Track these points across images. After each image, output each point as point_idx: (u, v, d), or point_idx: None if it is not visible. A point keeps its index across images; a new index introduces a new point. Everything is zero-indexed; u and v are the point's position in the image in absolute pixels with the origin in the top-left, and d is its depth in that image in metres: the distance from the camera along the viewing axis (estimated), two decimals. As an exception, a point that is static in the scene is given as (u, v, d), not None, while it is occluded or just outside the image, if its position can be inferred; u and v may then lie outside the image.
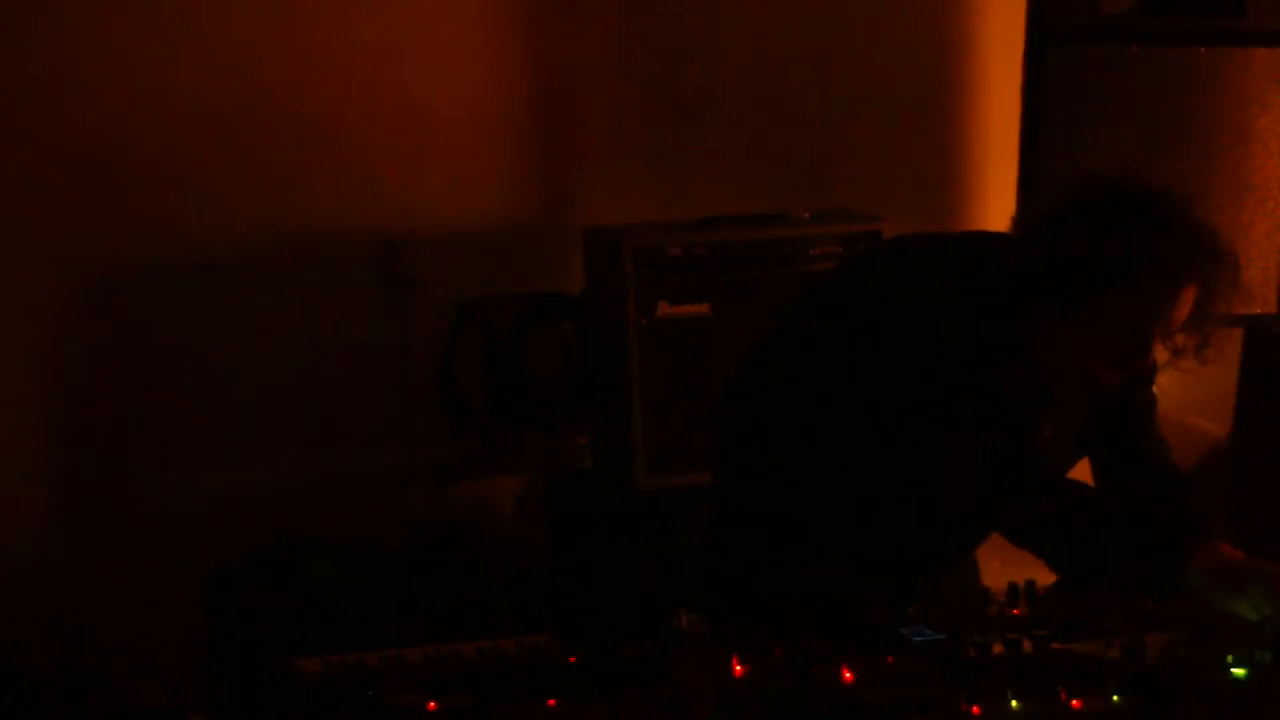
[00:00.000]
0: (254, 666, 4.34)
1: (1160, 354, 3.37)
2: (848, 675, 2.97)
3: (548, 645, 3.11)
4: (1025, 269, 3.29)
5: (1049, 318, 3.30)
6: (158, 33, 4.92)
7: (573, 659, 3.05)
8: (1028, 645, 3.07)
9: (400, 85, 5.12)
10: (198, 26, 4.95)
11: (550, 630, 3.23)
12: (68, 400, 4.94)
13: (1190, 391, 3.69)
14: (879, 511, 3.44)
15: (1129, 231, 3.23)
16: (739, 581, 3.55)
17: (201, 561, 4.71)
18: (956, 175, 5.60)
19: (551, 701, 2.92)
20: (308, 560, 4.69)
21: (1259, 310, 4.80)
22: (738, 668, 3.02)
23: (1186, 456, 3.75)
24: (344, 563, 4.71)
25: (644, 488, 4.88)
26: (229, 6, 4.98)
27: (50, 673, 4.79)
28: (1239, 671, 3.01)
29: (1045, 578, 3.37)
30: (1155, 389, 3.59)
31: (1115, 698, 2.90)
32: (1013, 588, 3.33)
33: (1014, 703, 2.88)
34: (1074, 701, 2.88)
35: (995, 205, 5.44)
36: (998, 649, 3.06)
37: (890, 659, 3.05)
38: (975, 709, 2.86)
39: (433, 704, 2.88)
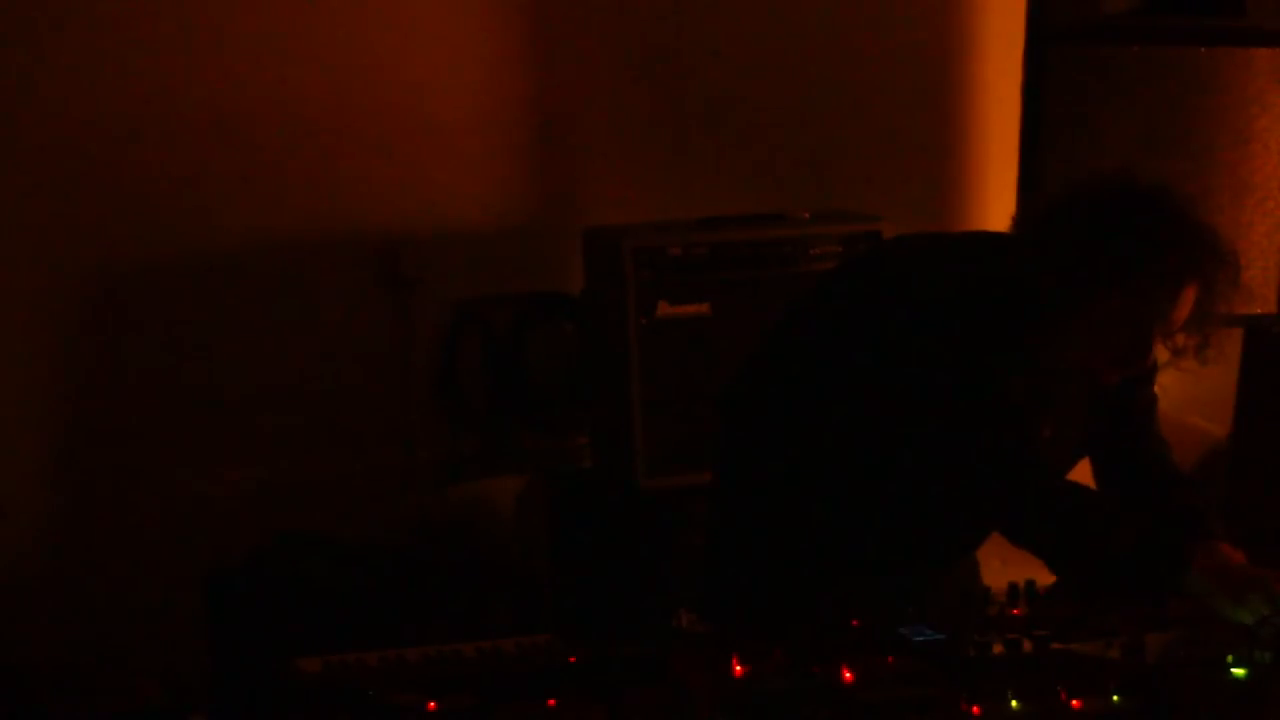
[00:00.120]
0: (254, 666, 4.34)
1: (1161, 354, 3.37)
2: (848, 675, 2.97)
3: (548, 645, 3.11)
4: (1025, 269, 3.29)
5: (1049, 318, 3.30)
6: (158, 35, 4.92)
7: (573, 659, 3.05)
8: (1028, 645, 3.07)
9: (401, 86, 5.12)
10: (198, 29, 4.95)
11: (550, 630, 3.23)
12: (68, 401, 4.94)
13: (1190, 391, 3.69)
14: (880, 511, 3.44)
15: (1129, 231, 3.23)
16: (739, 582, 3.55)
17: (201, 562, 4.72)
18: (956, 175, 5.60)
19: (551, 701, 2.92)
20: (308, 560, 4.69)
21: (1259, 310, 4.80)
22: (738, 668, 3.01)
23: (1186, 456, 3.75)
24: (344, 563, 4.71)
25: (644, 488, 4.88)
26: (228, 8, 4.98)
27: (50, 673, 4.79)
28: (1239, 671, 3.01)
29: (1045, 578, 3.37)
30: (1155, 389, 3.59)
31: (1115, 698, 2.90)
32: (1013, 588, 3.33)
33: (1014, 703, 2.88)
34: (1074, 701, 2.88)
35: (995, 205, 5.44)
36: (998, 649, 3.06)
37: (890, 659, 3.05)
38: (975, 709, 2.86)
39: (433, 704, 2.88)
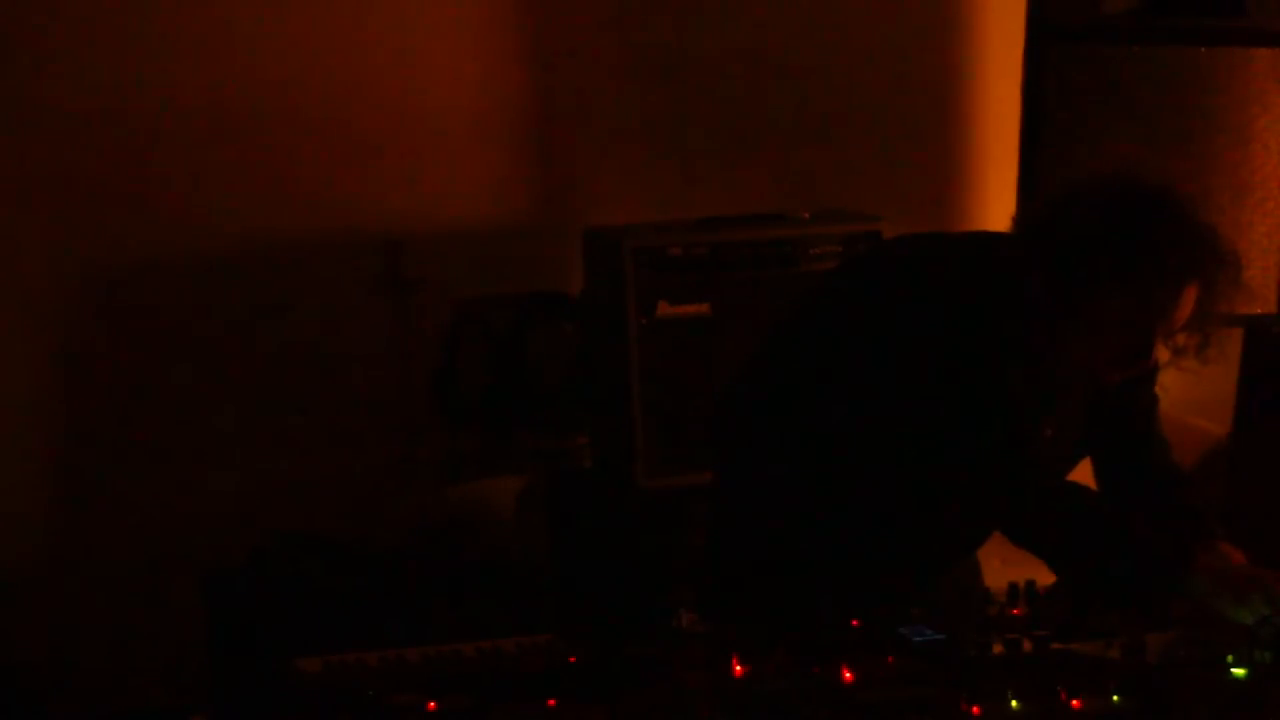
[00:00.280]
0: (254, 666, 4.34)
1: (1162, 353, 3.37)
2: (848, 675, 2.97)
3: (548, 645, 3.11)
4: (1026, 269, 3.29)
5: (1050, 317, 3.29)
6: (158, 35, 4.92)
7: (573, 659, 3.05)
8: (1028, 645, 3.07)
9: (401, 86, 5.12)
10: (199, 29, 4.95)
11: (550, 630, 3.23)
12: (68, 400, 4.94)
13: (1190, 391, 3.68)
14: (881, 512, 3.44)
15: (1130, 231, 3.23)
16: (739, 582, 3.55)
17: (201, 561, 4.72)
18: (956, 175, 5.60)
19: (551, 701, 2.92)
20: (308, 560, 4.69)
21: (1259, 310, 4.80)
22: (738, 668, 3.01)
23: (1186, 456, 3.75)
24: (344, 563, 4.71)
25: (644, 488, 4.88)
26: (229, 8, 4.98)
27: (50, 673, 4.80)
28: (1239, 671, 3.01)
29: (1045, 578, 3.37)
30: (1156, 388, 3.59)
31: (1115, 698, 2.90)
32: (1013, 588, 3.33)
33: (1014, 703, 2.88)
34: (1074, 701, 2.88)
35: (995, 205, 5.44)
36: (998, 649, 3.06)
37: (890, 659, 3.05)
38: (975, 709, 2.85)
39: (433, 704, 2.88)
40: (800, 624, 3.17)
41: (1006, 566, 3.53)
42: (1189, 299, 3.27)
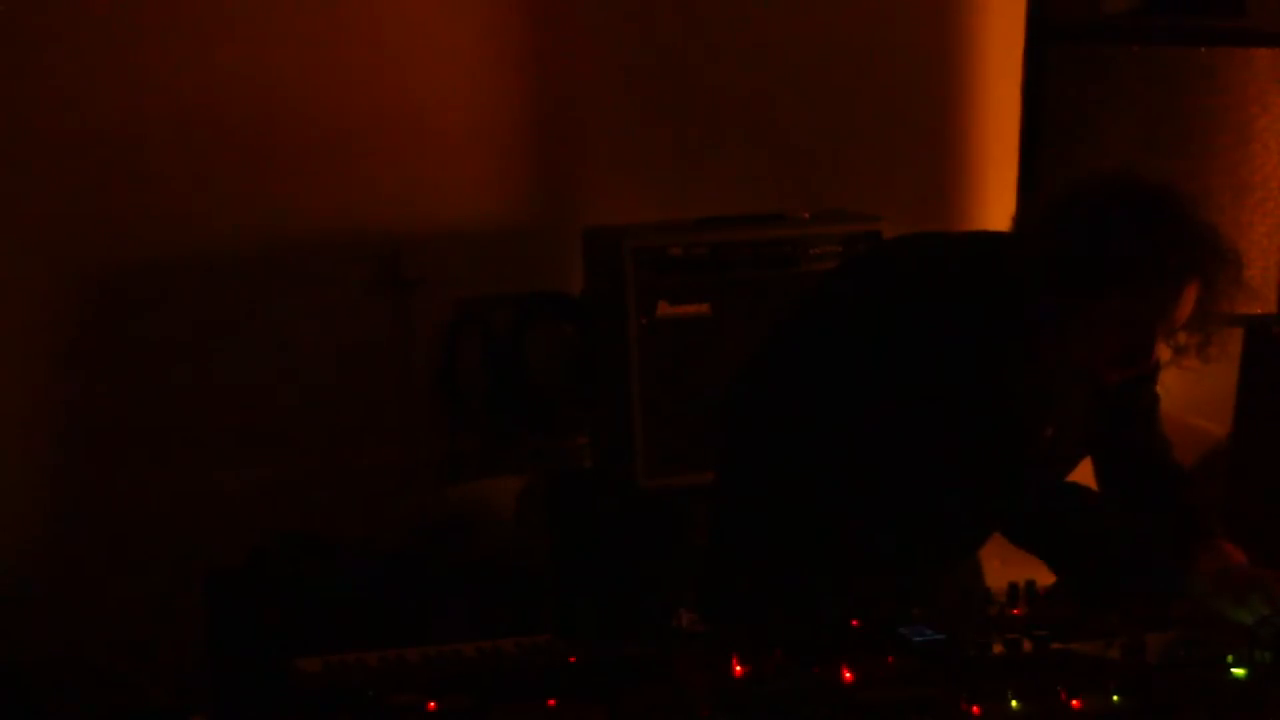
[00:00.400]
0: (254, 666, 4.34)
1: (1163, 353, 3.37)
2: (848, 675, 2.97)
3: (548, 645, 3.11)
4: (1027, 268, 3.29)
5: (1051, 317, 3.29)
6: (160, 36, 4.92)
7: (573, 659, 3.05)
8: (1028, 645, 3.07)
9: (401, 86, 5.12)
10: (200, 29, 4.95)
11: (550, 630, 3.23)
12: (68, 400, 4.94)
13: (1191, 391, 3.69)
14: (882, 512, 3.43)
15: (1131, 229, 3.23)
16: (740, 582, 3.55)
17: (201, 561, 4.72)
18: (956, 175, 5.60)
19: (551, 701, 2.92)
20: (308, 560, 4.69)
21: (1259, 310, 4.80)
22: (738, 668, 3.01)
23: (1186, 456, 3.75)
24: (344, 563, 4.71)
25: (644, 488, 4.88)
26: (230, 9, 4.97)
27: (50, 673, 4.79)
28: (1239, 671, 3.01)
29: (1045, 578, 3.37)
30: (1158, 388, 3.59)
31: (1115, 698, 2.90)
32: (1013, 588, 3.33)
33: (1014, 703, 2.88)
34: (1074, 701, 2.88)
35: (995, 205, 5.44)
36: (998, 649, 3.06)
37: (890, 659, 3.05)
38: (975, 709, 2.85)
39: (433, 704, 2.88)
40: (800, 624, 3.17)
41: (1006, 566, 3.53)
42: (1190, 298, 3.27)
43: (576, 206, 5.23)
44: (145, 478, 4.97)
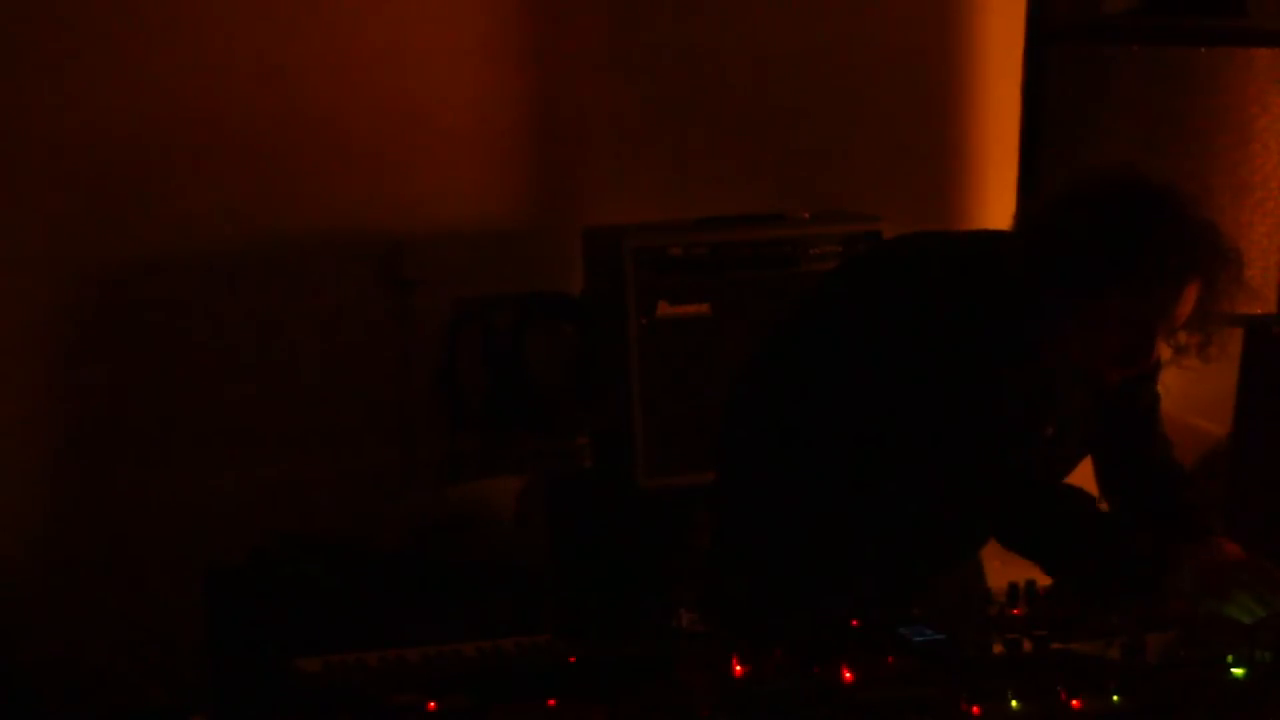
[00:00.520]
0: (254, 666, 4.34)
1: (1163, 352, 3.37)
2: (848, 675, 2.97)
3: (548, 645, 3.11)
4: (1027, 267, 3.29)
5: (1052, 315, 3.29)
6: (161, 36, 4.92)
7: (573, 659, 3.05)
8: (1028, 645, 3.07)
9: (401, 87, 5.12)
10: (201, 30, 4.95)
11: (550, 630, 3.23)
12: (68, 400, 4.94)
13: (1191, 391, 3.69)
14: (883, 513, 3.43)
15: (1131, 227, 3.23)
16: (741, 583, 3.55)
17: (201, 561, 4.72)
18: (956, 175, 5.60)
19: (551, 701, 2.92)
20: (308, 560, 4.69)
21: (1259, 310, 4.79)
22: (738, 668, 3.01)
23: (1186, 456, 3.75)
24: (344, 563, 4.71)
25: (644, 488, 4.88)
26: (231, 10, 4.98)
27: (50, 673, 4.79)
28: (1239, 671, 3.01)
29: (1045, 578, 3.37)
30: (1158, 388, 3.58)
31: (1115, 698, 2.90)
32: (1013, 588, 3.33)
33: (1014, 703, 2.88)
34: (1074, 701, 2.88)
35: (995, 205, 5.44)
36: (998, 649, 3.06)
37: (890, 659, 3.05)
38: (975, 709, 2.85)
39: (433, 704, 2.87)
40: (800, 624, 3.17)
41: (1007, 566, 3.53)
42: (1190, 296, 3.27)
43: (576, 206, 5.23)
44: (145, 478, 4.97)
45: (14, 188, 4.85)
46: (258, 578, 4.64)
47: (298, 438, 5.08)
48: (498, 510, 5.20)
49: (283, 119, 5.03)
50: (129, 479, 4.96)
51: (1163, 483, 3.58)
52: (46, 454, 4.94)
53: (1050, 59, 4.83)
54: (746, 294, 4.92)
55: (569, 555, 4.99)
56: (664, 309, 4.89)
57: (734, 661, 3.02)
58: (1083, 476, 3.57)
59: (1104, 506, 3.57)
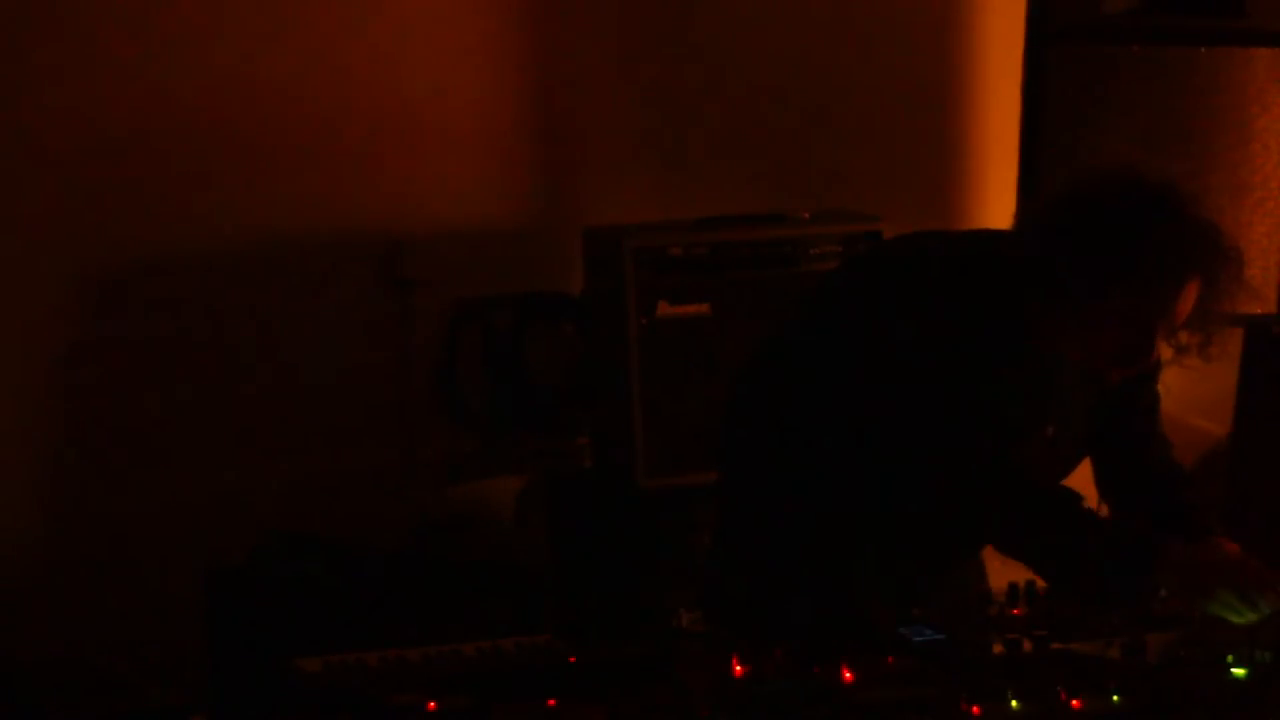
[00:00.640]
0: (254, 666, 4.34)
1: (1164, 351, 3.37)
2: (848, 675, 2.97)
3: (548, 645, 3.11)
4: (1027, 267, 3.29)
5: (1052, 315, 3.29)
6: (160, 35, 4.92)
7: (573, 659, 3.05)
8: (1028, 645, 3.07)
9: (401, 86, 5.12)
10: (200, 29, 4.95)
11: (550, 630, 3.23)
12: (68, 400, 4.94)
13: (1191, 390, 3.69)
14: (883, 513, 3.43)
15: (1131, 227, 3.23)
16: (742, 583, 3.55)
17: (201, 561, 4.71)
18: (956, 175, 5.60)
19: (551, 701, 2.92)
20: (308, 560, 4.69)
21: (1259, 310, 4.80)
22: (738, 668, 3.01)
23: (1186, 456, 3.75)
24: (344, 563, 4.71)
25: (644, 488, 4.88)
26: (231, 10, 4.98)
27: (50, 673, 4.79)
28: (1239, 671, 3.01)
29: (1045, 578, 3.37)
30: (1158, 387, 3.58)
31: (1115, 698, 2.90)
32: (1013, 588, 3.33)
33: (1014, 703, 2.88)
34: (1074, 701, 2.88)
35: (995, 205, 5.44)
36: (998, 649, 3.06)
37: (890, 659, 3.05)
38: (975, 709, 2.85)
39: (433, 704, 2.88)
40: (800, 624, 3.17)
41: (1006, 566, 3.53)
42: (1190, 296, 3.27)
43: (576, 206, 5.23)
44: (145, 478, 4.97)
45: (14, 187, 4.85)
46: (258, 578, 4.64)
47: (298, 438, 5.08)
48: (498, 510, 5.20)
49: (282, 119, 5.03)
50: (129, 479, 4.96)
51: (1162, 483, 3.58)
52: (46, 454, 4.94)
53: (1050, 59, 4.83)
54: (746, 294, 4.92)
55: (569, 555, 4.99)
56: (664, 309, 4.89)
57: (734, 661, 3.02)
58: (1083, 477, 3.57)
59: (1103, 508, 3.57)
